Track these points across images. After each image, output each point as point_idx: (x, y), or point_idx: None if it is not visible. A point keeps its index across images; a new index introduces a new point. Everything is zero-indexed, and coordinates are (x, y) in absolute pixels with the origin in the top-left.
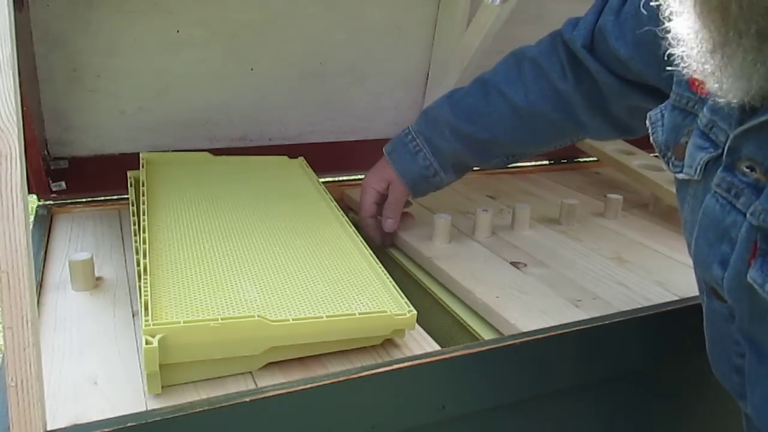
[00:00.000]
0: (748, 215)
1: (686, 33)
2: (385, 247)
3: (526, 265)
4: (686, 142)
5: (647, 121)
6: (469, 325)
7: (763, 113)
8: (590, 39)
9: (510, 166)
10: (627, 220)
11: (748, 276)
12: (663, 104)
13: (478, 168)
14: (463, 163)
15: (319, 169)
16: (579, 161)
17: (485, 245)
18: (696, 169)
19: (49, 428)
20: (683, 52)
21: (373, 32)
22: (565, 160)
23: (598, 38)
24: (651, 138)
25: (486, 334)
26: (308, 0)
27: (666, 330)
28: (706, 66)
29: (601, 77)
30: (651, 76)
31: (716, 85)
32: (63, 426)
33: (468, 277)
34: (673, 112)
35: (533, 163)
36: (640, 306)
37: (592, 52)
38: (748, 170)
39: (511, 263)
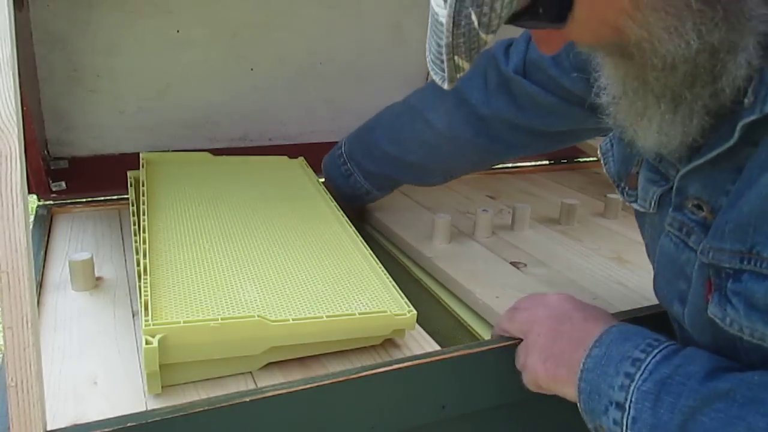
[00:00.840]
0: (698, 253)
1: (610, 94)
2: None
3: (526, 265)
4: (637, 172)
5: (598, 152)
6: (469, 325)
7: (706, 152)
8: (522, 67)
9: (510, 166)
10: (627, 220)
11: (708, 311)
12: (611, 134)
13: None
14: (397, 181)
15: (319, 169)
16: (579, 161)
17: (485, 245)
18: (650, 203)
19: (49, 428)
20: (610, 104)
21: (373, 32)
22: (565, 160)
23: (531, 67)
24: (603, 168)
25: (486, 334)
26: (308, 0)
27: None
28: (629, 124)
29: (541, 98)
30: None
31: (640, 141)
32: (63, 426)
33: (468, 277)
34: (620, 143)
35: (533, 163)
36: (640, 306)
37: (528, 77)
38: (696, 209)
39: (511, 263)
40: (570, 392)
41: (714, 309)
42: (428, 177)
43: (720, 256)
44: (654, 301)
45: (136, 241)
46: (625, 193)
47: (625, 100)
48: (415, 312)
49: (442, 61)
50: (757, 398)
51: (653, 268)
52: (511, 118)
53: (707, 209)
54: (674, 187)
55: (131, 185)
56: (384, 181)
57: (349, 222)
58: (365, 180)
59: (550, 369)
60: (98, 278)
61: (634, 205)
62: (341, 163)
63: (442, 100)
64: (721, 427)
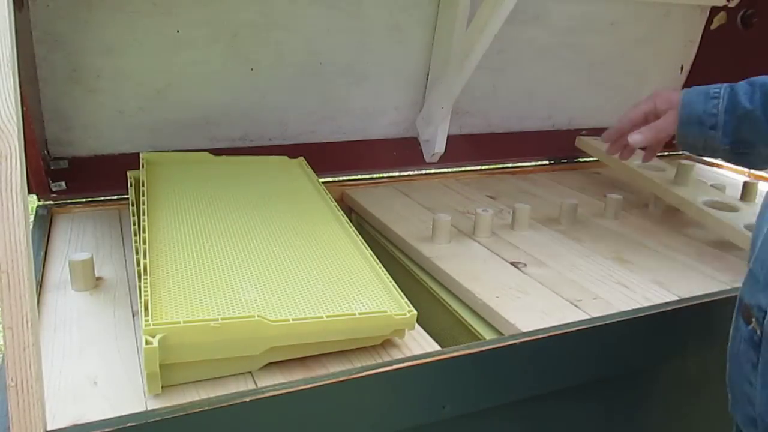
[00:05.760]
0: None
1: None
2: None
3: (526, 265)
4: None
5: None
6: (469, 325)
7: None
8: None
9: (510, 166)
10: (627, 220)
11: None
12: None
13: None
14: (748, 140)
15: (319, 169)
16: (579, 161)
17: (485, 245)
18: None
19: (49, 428)
20: None
21: (373, 32)
22: (565, 160)
23: None
24: None
25: (486, 334)
26: (308, 0)
27: (666, 330)
28: None
29: None
30: None
31: None
32: (63, 426)
33: (468, 277)
34: None
35: (533, 163)
36: (640, 306)
37: None
38: None
39: (511, 263)
40: None
41: None
42: None
43: None
44: (654, 301)
45: (136, 241)
46: None
47: None
48: (415, 312)
49: None
50: None
51: (756, 243)
52: None
53: None
54: None
55: (131, 185)
56: (742, 125)
57: (349, 222)
58: (726, 113)
59: None
60: (98, 278)
61: None
62: (713, 87)
63: None
64: None
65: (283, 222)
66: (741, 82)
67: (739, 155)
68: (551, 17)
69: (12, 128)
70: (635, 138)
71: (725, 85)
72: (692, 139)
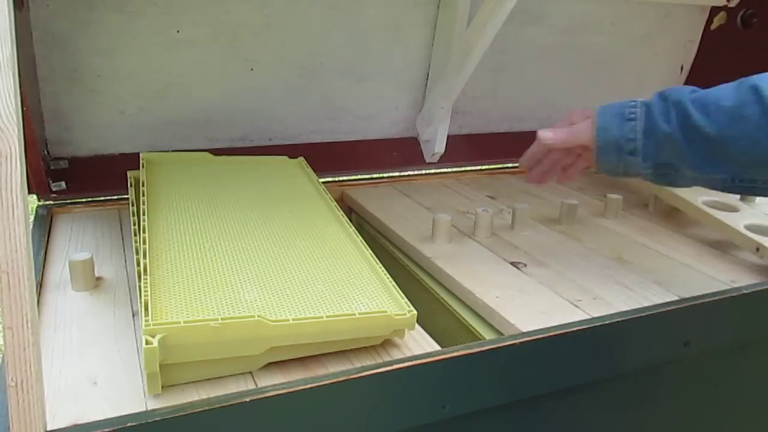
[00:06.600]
0: None
1: None
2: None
3: (526, 265)
4: None
5: None
6: (469, 325)
7: None
8: None
9: (510, 166)
10: (627, 220)
11: None
12: None
13: (678, 182)
14: (670, 163)
15: (319, 169)
16: None
17: (485, 245)
18: None
19: (49, 428)
20: None
21: (373, 32)
22: None
23: None
24: None
25: (486, 334)
26: (308, 0)
27: (666, 330)
28: None
29: None
30: None
31: None
32: (63, 426)
33: (468, 277)
34: None
35: None
36: (640, 306)
37: None
38: None
39: (511, 263)
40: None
41: None
42: (710, 168)
43: None
44: (654, 301)
45: (136, 241)
46: None
47: None
48: (415, 312)
49: None
50: None
51: None
52: None
53: None
54: None
55: (131, 185)
56: (662, 150)
57: (349, 222)
58: (644, 136)
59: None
60: (98, 278)
61: None
62: (629, 106)
63: None
64: None
65: (283, 222)
66: (654, 98)
67: (663, 176)
68: (551, 17)
69: (12, 128)
70: (545, 134)
71: (639, 101)
72: (611, 165)
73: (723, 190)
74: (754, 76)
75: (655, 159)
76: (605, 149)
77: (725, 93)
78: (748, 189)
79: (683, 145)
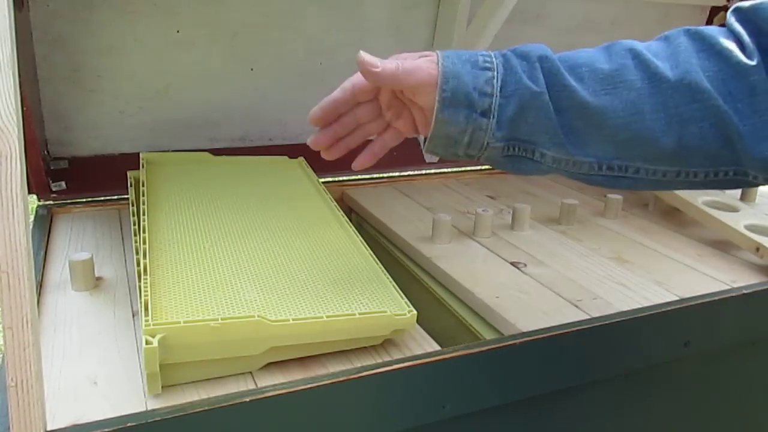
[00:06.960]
0: None
1: None
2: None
3: (526, 265)
4: None
5: None
6: (469, 325)
7: None
8: None
9: None
10: (627, 220)
11: None
12: None
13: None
14: (527, 139)
15: (319, 169)
16: None
17: (485, 245)
18: None
19: (49, 428)
20: None
21: (373, 32)
22: None
23: None
24: None
25: (486, 334)
26: (308, 0)
27: (666, 330)
28: None
29: None
30: None
31: None
32: (63, 426)
33: (468, 277)
34: None
35: None
36: (640, 306)
37: None
38: None
39: (511, 263)
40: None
41: None
42: (579, 144)
43: None
44: (654, 301)
45: (136, 241)
46: None
47: None
48: (415, 312)
49: None
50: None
51: None
52: None
53: None
54: None
55: (131, 185)
56: (520, 114)
57: (349, 222)
58: (501, 94)
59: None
60: (98, 278)
61: None
62: (483, 54)
63: (671, 49)
64: None
65: (283, 222)
66: (508, 52)
67: (513, 158)
68: (551, 17)
69: (12, 128)
70: (370, 58)
71: (494, 52)
72: (454, 130)
73: (585, 180)
74: (622, 40)
75: (510, 130)
76: (452, 101)
77: (596, 56)
78: (613, 180)
79: (551, 112)
